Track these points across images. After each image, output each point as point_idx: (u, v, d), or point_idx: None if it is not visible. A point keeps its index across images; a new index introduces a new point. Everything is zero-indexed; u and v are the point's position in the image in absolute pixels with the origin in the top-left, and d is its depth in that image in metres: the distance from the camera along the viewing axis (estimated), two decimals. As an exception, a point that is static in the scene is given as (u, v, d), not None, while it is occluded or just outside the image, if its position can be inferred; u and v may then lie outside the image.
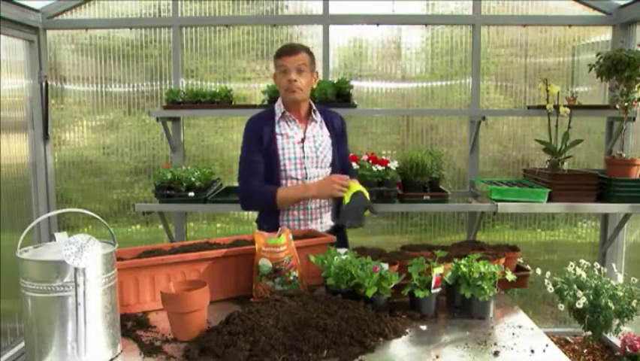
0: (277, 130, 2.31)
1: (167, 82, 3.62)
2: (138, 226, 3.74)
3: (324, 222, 2.36)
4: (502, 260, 1.84)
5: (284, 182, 2.30)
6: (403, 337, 1.47)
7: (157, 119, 3.33)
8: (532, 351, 1.39)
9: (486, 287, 1.59)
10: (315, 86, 2.52)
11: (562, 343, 3.53)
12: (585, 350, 3.30)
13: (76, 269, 1.24)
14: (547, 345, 1.43)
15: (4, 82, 3.21)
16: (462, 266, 1.64)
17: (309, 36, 3.59)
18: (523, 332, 1.53)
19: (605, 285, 2.69)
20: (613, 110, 3.23)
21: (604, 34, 3.58)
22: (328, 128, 2.39)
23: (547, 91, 3.09)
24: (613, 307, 2.61)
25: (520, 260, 2.05)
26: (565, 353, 2.09)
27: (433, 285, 1.60)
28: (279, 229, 1.84)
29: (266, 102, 3.25)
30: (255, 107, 3.22)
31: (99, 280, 1.29)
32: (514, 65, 3.64)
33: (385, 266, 1.64)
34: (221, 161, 3.71)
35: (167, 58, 3.61)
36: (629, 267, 3.50)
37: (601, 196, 3.07)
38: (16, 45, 3.36)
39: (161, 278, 1.66)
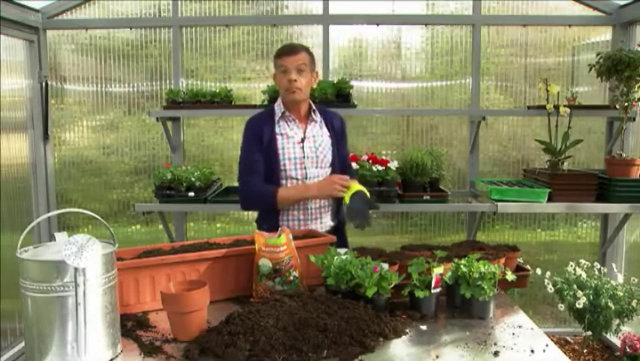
0: (277, 130, 2.31)
1: (167, 82, 3.62)
2: (138, 226, 3.74)
3: (324, 222, 2.36)
4: (502, 260, 1.84)
5: (284, 182, 2.30)
6: (403, 337, 1.47)
7: (157, 119, 3.34)
8: (532, 351, 1.39)
9: (486, 287, 1.59)
10: (315, 86, 2.52)
11: (562, 343, 3.53)
12: (585, 350, 3.30)
13: (76, 269, 1.24)
14: (547, 345, 1.43)
15: (4, 82, 3.21)
16: (462, 266, 1.64)
17: (309, 36, 3.59)
18: (523, 332, 1.53)
19: (605, 285, 2.69)
20: (613, 110, 3.23)
21: (604, 34, 3.58)
22: (328, 129, 2.39)
23: (547, 91, 3.09)
24: (613, 307, 2.61)
25: (520, 260, 2.05)
26: (565, 353, 2.09)
27: (433, 285, 1.60)
28: (279, 229, 1.84)
29: (266, 102, 3.25)
30: (254, 107, 3.22)
31: (99, 280, 1.29)
32: (514, 65, 3.64)
33: (385, 266, 1.64)
34: (221, 161, 3.71)
35: (167, 58, 3.61)
36: (629, 267, 3.50)
37: (601, 196, 3.07)
38: (16, 45, 3.36)
39: (161, 278, 1.66)
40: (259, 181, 2.28)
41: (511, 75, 3.65)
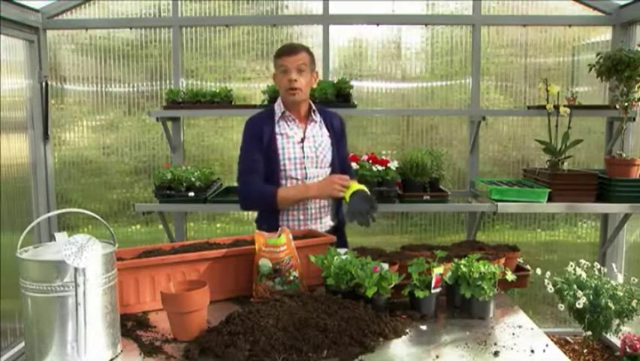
0: (277, 130, 2.31)
1: (167, 82, 3.62)
2: (138, 226, 3.74)
3: (324, 222, 2.36)
4: (502, 260, 1.84)
5: (283, 182, 2.30)
6: (403, 337, 1.47)
7: (157, 119, 3.34)
8: (532, 351, 1.39)
9: (486, 287, 1.59)
10: (315, 86, 2.52)
11: (562, 343, 3.53)
12: (585, 350, 3.30)
13: (76, 269, 1.24)
14: (547, 345, 1.43)
15: (4, 82, 3.21)
16: (462, 266, 1.64)
17: (309, 36, 3.59)
18: (523, 332, 1.53)
19: (605, 285, 2.69)
20: (613, 110, 3.23)
21: (604, 34, 3.58)
22: (328, 129, 2.39)
23: (547, 91, 3.09)
24: (613, 307, 2.61)
25: (520, 260, 2.05)
26: (565, 353, 2.09)
27: (433, 285, 1.60)
28: (279, 229, 1.84)
29: (266, 102, 3.25)
30: (254, 107, 3.22)
31: (99, 280, 1.29)
32: (514, 65, 3.64)
33: (385, 266, 1.64)
34: (221, 161, 3.71)
35: (167, 58, 3.61)
36: (629, 267, 3.50)
37: (601, 196, 3.07)
38: (16, 45, 3.36)
39: (161, 278, 1.66)
40: (259, 181, 2.28)
41: (511, 75, 3.65)
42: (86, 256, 1.24)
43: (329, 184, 2.22)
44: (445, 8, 3.59)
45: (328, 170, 2.35)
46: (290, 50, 2.26)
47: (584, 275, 2.74)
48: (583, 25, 3.58)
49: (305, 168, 2.30)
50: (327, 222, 2.37)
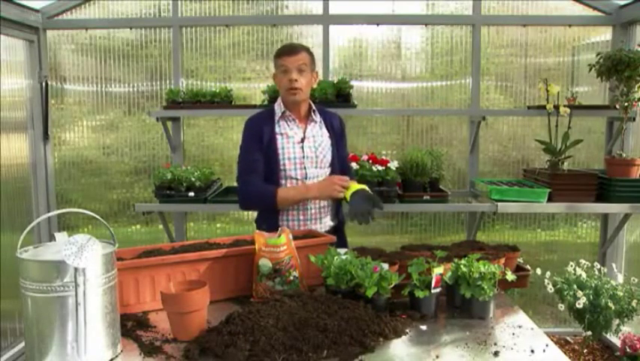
0: (277, 130, 2.31)
1: (167, 82, 3.63)
2: (138, 226, 3.74)
3: (324, 222, 2.36)
4: (502, 260, 1.84)
5: (283, 182, 2.30)
6: (403, 337, 1.47)
7: (157, 119, 3.34)
8: (532, 351, 1.39)
9: (486, 287, 1.59)
10: (315, 86, 2.52)
11: (562, 343, 3.53)
12: (585, 350, 3.30)
13: (76, 269, 1.24)
14: (547, 345, 1.43)
15: (4, 82, 3.21)
16: (462, 266, 1.64)
17: (309, 36, 3.59)
18: (523, 332, 1.53)
19: (605, 285, 2.69)
20: (613, 110, 3.23)
21: (604, 34, 3.58)
22: (327, 129, 2.39)
23: (547, 91, 3.09)
24: (613, 307, 2.61)
25: (520, 260, 2.05)
26: (565, 353, 2.09)
27: (433, 285, 1.60)
28: (279, 229, 1.84)
29: (266, 102, 3.25)
30: (254, 107, 3.22)
31: (99, 280, 1.29)
32: (514, 65, 3.64)
33: (385, 266, 1.64)
34: (221, 161, 3.71)
35: (167, 58, 3.61)
36: (629, 267, 3.50)
37: (601, 196, 3.07)
38: (16, 45, 3.36)
39: (161, 278, 1.66)
40: (259, 181, 2.28)
41: (511, 75, 3.65)
42: (86, 256, 1.24)
43: (329, 185, 2.22)
44: (445, 8, 3.59)
45: (328, 170, 2.35)
46: (290, 49, 2.25)
47: (584, 275, 2.74)
48: (583, 25, 3.58)
49: (305, 168, 2.30)
50: (327, 223, 2.37)
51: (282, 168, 2.28)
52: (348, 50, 3.64)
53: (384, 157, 3.12)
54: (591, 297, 2.65)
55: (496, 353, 1.37)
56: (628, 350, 2.89)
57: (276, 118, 2.33)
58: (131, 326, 1.53)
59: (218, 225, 3.75)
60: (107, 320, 1.32)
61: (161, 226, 3.51)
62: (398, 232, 3.73)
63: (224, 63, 3.64)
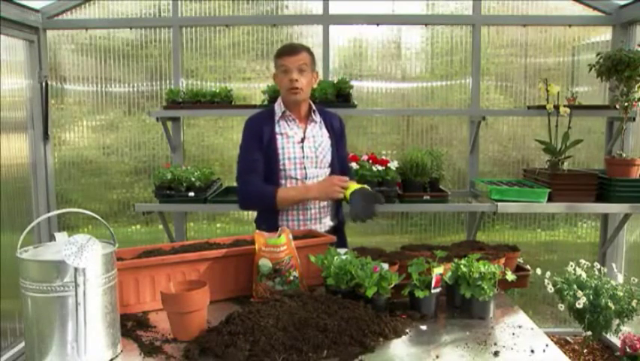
0: (277, 130, 2.31)
1: (167, 82, 3.63)
2: (138, 226, 3.74)
3: (324, 222, 2.36)
4: (502, 260, 1.84)
5: (283, 182, 2.30)
6: (403, 337, 1.47)
7: (157, 119, 3.34)
8: (532, 351, 1.39)
9: (486, 287, 1.59)
10: (315, 86, 2.52)
11: (562, 343, 3.53)
12: (585, 350, 3.30)
13: (76, 269, 1.24)
14: (547, 345, 1.43)
15: (4, 82, 3.21)
16: (462, 266, 1.64)
17: (309, 36, 3.59)
18: (523, 332, 1.53)
19: (605, 285, 2.69)
20: (613, 110, 3.23)
21: (604, 34, 3.58)
22: (327, 129, 2.39)
23: (547, 91, 3.09)
24: (613, 307, 2.61)
25: (520, 260, 2.05)
26: (565, 353, 2.09)
27: (433, 285, 1.60)
28: (279, 228, 1.84)
29: (266, 102, 3.25)
30: (254, 107, 3.22)
31: (99, 280, 1.29)
32: (514, 65, 3.64)
33: (385, 266, 1.64)
34: (221, 161, 3.71)
35: (167, 58, 3.61)
36: (629, 267, 3.50)
37: (601, 196, 3.07)
38: (16, 45, 3.36)
39: (161, 278, 1.66)
40: (258, 181, 2.28)
41: (511, 75, 3.65)
42: (86, 256, 1.24)
43: (329, 186, 2.22)
44: (445, 8, 3.59)
45: (328, 170, 2.35)
46: (291, 49, 2.25)
47: (584, 275, 2.74)
48: (583, 25, 3.58)
49: (305, 168, 2.30)
50: (327, 223, 2.37)
51: (281, 168, 2.28)
52: (348, 50, 3.64)
53: (384, 157, 3.12)
54: (591, 297, 2.65)
55: (496, 353, 1.37)
56: (628, 350, 2.89)
57: (276, 118, 2.33)
58: (131, 326, 1.53)
59: (218, 225, 3.75)
60: (107, 320, 1.32)
61: (161, 226, 3.51)
62: (398, 232, 3.73)
63: (224, 63, 3.64)
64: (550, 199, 3.03)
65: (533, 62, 3.63)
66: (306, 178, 2.30)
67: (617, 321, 2.72)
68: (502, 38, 3.63)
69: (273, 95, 3.21)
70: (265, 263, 1.72)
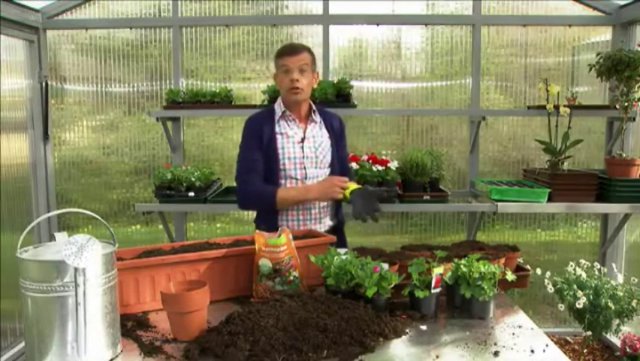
0: (277, 129, 2.31)
1: (167, 82, 3.62)
2: (138, 226, 3.74)
3: (324, 222, 2.36)
4: (502, 260, 1.84)
5: (283, 182, 2.30)
6: (403, 337, 1.47)
7: (157, 119, 3.33)
8: (532, 351, 1.39)
9: (486, 287, 1.59)
10: (315, 86, 2.52)
11: (562, 343, 3.53)
12: (585, 350, 3.30)
13: (76, 269, 1.24)
14: (547, 345, 1.43)
15: (4, 82, 3.21)
16: (462, 266, 1.64)
17: (309, 36, 3.59)
18: (523, 332, 1.53)
19: (605, 285, 2.69)
20: (613, 110, 3.23)
21: (604, 34, 3.58)
22: (327, 129, 2.39)
23: (547, 91, 3.09)
24: (613, 307, 2.61)
25: (520, 260, 2.05)
26: (565, 353, 2.09)
27: (433, 285, 1.60)
28: (279, 228, 1.84)
29: (266, 102, 3.25)
30: (254, 107, 3.22)
31: (99, 280, 1.29)
32: (514, 65, 3.64)
33: (385, 266, 1.64)
34: (221, 161, 3.71)
35: (167, 58, 3.61)
36: (629, 267, 3.50)
37: (601, 196, 3.07)
38: (16, 45, 3.36)
39: (161, 278, 1.66)
40: (258, 180, 2.28)
41: (511, 75, 3.65)
42: (86, 256, 1.24)
43: (329, 186, 2.22)
44: (445, 8, 3.59)
45: (328, 170, 2.35)
46: (292, 49, 2.26)
47: (584, 275, 2.74)
48: (583, 25, 3.58)
49: (305, 168, 2.30)
50: (327, 223, 2.37)
51: (281, 167, 2.28)
52: (348, 50, 3.64)
53: (384, 157, 3.12)
54: (591, 297, 2.65)
55: (496, 353, 1.37)
56: (628, 350, 2.89)
57: (276, 118, 2.33)
58: (131, 326, 1.53)
59: (218, 225, 3.75)
60: (107, 320, 1.32)
61: (161, 226, 3.51)
62: (398, 232, 3.73)
63: (224, 63, 3.64)
64: (550, 199, 3.03)
65: (533, 62, 3.63)
66: (306, 178, 2.30)
67: (617, 321, 2.72)
68: (502, 38, 3.63)
69: (273, 95, 3.21)
70: (265, 263, 1.72)
